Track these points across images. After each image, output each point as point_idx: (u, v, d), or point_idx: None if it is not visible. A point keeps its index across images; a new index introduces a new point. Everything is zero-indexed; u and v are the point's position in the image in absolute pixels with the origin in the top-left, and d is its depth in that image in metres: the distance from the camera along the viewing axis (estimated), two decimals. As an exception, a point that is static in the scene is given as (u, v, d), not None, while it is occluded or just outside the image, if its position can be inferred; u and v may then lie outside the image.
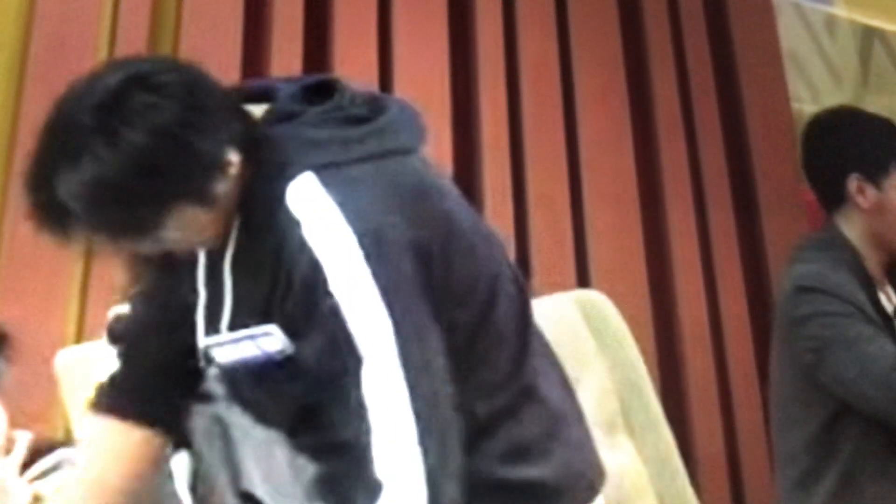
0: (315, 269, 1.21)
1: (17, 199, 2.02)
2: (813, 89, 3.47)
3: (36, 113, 2.07)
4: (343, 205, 1.23)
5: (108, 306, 2.02)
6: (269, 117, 1.31)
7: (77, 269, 2.05)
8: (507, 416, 1.32)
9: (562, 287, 2.47)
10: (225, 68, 2.22)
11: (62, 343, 1.97)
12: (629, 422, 2.20)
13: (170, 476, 1.42)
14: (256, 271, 1.27)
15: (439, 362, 1.24)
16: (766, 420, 2.27)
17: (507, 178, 2.63)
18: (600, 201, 2.79)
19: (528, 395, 1.38)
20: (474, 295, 1.32)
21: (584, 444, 1.44)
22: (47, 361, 1.83)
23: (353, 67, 2.42)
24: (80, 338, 1.99)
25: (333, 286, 1.21)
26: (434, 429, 1.20)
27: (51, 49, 2.18)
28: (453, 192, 1.39)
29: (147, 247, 1.30)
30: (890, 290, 2.20)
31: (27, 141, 2.02)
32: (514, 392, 1.36)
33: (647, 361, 2.30)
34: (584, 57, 2.90)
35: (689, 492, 2.20)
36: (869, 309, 2.04)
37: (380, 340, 1.20)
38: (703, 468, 2.62)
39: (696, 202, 2.99)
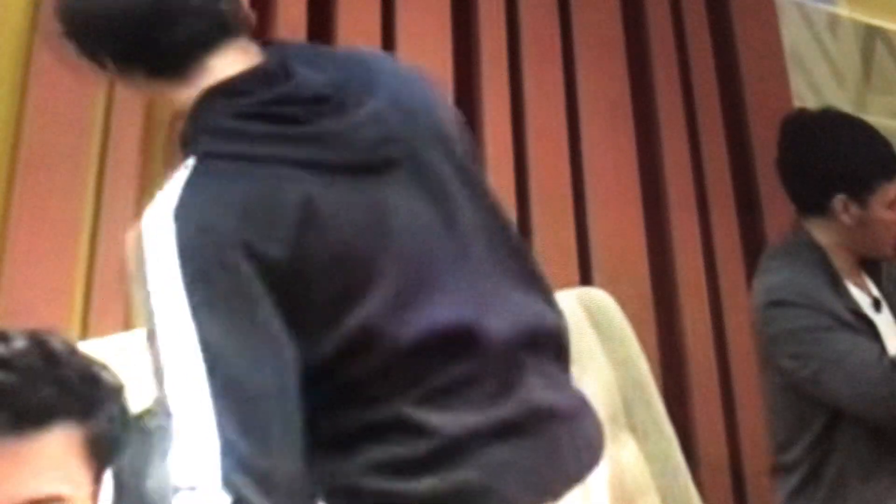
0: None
1: (21, 190, 2.03)
2: (815, 89, 3.47)
3: (41, 102, 2.09)
4: (182, 200, 1.20)
5: (112, 302, 2.03)
6: (222, 87, 1.31)
7: (81, 264, 2.05)
8: (376, 435, 1.23)
9: (564, 285, 2.47)
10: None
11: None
12: (631, 419, 2.21)
13: None
14: None
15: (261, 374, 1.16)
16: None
17: (510, 176, 2.64)
18: (603, 200, 2.79)
19: (409, 422, 1.24)
20: (343, 321, 1.22)
21: (507, 468, 1.28)
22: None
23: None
24: (84, 334, 1.99)
25: (150, 286, 1.17)
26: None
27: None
28: (356, 218, 1.27)
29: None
30: (868, 280, 2.20)
31: (32, 132, 2.04)
32: (391, 414, 1.24)
33: (649, 359, 2.30)
34: (586, 56, 2.90)
35: (692, 489, 2.20)
36: (840, 309, 2.04)
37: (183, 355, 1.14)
38: (706, 465, 2.62)
39: (699, 201, 2.99)
